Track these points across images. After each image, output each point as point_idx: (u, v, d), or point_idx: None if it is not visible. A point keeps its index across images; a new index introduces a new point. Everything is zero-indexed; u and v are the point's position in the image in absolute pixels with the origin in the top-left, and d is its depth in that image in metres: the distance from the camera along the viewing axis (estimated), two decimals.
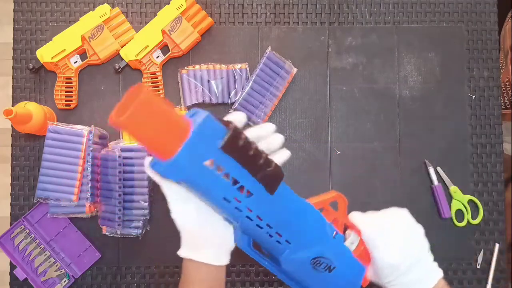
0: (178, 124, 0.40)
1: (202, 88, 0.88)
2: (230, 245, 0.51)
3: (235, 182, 0.43)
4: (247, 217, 0.45)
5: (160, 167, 0.41)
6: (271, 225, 0.47)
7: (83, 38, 0.88)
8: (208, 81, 0.88)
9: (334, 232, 0.53)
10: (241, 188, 0.43)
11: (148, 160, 0.44)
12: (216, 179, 0.42)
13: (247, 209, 0.45)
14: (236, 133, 0.41)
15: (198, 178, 0.42)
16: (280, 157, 0.50)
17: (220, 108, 0.90)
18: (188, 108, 0.89)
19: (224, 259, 0.51)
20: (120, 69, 0.88)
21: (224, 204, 0.44)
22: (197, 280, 0.51)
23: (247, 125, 0.89)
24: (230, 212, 0.45)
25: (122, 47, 0.88)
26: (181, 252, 0.51)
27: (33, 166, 0.88)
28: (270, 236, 0.48)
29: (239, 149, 0.42)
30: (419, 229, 0.55)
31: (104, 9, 0.89)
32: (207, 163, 0.41)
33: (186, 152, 0.40)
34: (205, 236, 0.49)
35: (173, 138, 0.40)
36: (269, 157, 0.44)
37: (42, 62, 0.87)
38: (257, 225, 0.46)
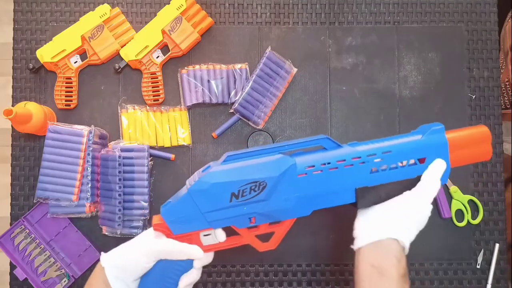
0: None
1: (202, 88, 0.88)
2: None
3: None
4: None
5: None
6: None
7: (83, 38, 0.88)
8: (208, 81, 0.88)
9: None
10: None
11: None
12: None
13: None
14: None
15: None
16: None
17: (220, 108, 0.90)
18: (188, 108, 0.89)
19: None
20: (120, 69, 0.88)
21: None
22: None
23: (247, 125, 0.89)
24: None
25: (122, 47, 0.88)
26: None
27: (33, 166, 0.88)
28: None
29: None
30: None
31: (104, 9, 0.89)
32: None
33: None
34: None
35: None
36: None
37: (42, 62, 0.87)
38: None
